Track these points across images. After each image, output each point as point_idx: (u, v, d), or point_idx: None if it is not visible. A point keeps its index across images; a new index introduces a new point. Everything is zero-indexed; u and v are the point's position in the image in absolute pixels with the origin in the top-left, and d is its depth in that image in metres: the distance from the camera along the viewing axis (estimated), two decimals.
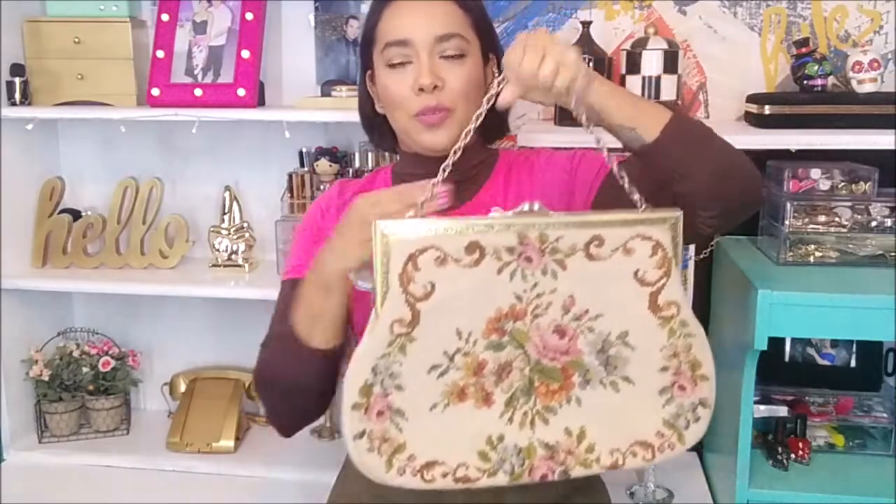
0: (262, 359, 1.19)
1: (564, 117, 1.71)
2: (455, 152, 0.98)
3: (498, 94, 0.99)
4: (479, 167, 1.25)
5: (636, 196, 0.96)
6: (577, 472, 0.97)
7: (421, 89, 1.13)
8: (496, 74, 1.20)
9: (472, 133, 1.03)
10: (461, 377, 0.94)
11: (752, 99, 1.71)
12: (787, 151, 1.60)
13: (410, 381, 0.93)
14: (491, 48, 1.23)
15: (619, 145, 1.10)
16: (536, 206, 0.93)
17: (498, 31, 1.46)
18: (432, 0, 1.16)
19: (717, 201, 1.04)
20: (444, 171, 0.97)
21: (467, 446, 0.95)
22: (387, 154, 1.82)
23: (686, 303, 0.96)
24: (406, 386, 0.93)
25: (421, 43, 1.13)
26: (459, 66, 1.15)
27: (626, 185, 0.96)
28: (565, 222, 0.91)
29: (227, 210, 1.96)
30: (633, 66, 1.71)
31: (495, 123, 1.26)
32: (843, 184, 1.66)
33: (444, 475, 0.95)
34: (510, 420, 0.95)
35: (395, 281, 0.90)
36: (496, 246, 0.90)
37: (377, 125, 1.26)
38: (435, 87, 1.13)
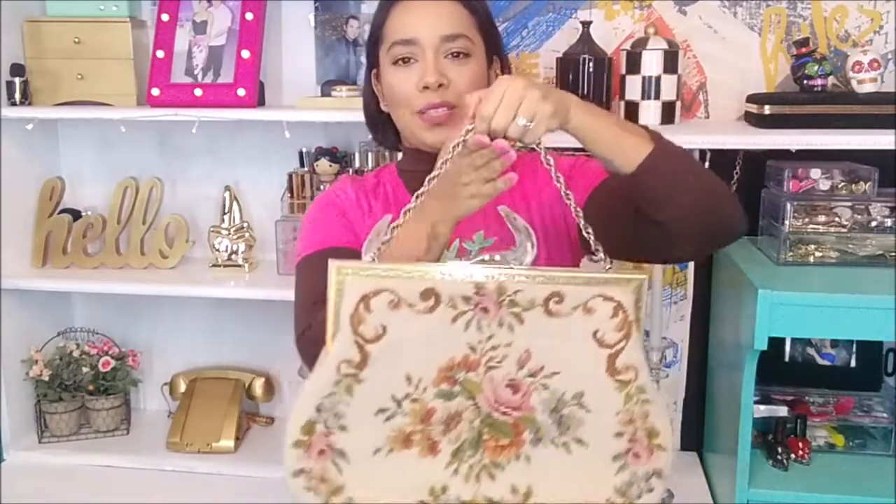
0: (311, 352, 1.14)
1: None
2: (440, 166, 0.97)
3: (464, 141, 0.98)
4: None
5: (600, 254, 0.95)
6: None
7: (426, 87, 1.14)
8: (498, 75, 1.22)
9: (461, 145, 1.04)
10: (408, 423, 0.92)
11: (752, 99, 1.71)
12: (787, 151, 1.60)
13: (355, 423, 0.91)
14: (495, 50, 1.24)
15: None
16: (497, 257, 0.94)
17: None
18: (439, 0, 1.17)
19: (695, 232, 1.06)
20: (429, 182, 0.97)
21: (408, 494, 0.93)
22: (387, 154, 1.82)
23: (645, 368, 0.93)
24: (350, 427, 0.91)
25: (427, 42, 1.15)
26: (464, 66, 1.17)
27: (592, 243, 0.96)
28: (525, 275, 0.90)
29: (227, 210, 1.96)
30: (633, 66, 1.71)
31: None
32: (843, 184, 1.66)
33: None
34: (455, 472, 0.93)
35: (345, 321, 0.89)
36: (452, 294, 0.89)
37: (381, 123, 1.27)
38: (440, 85, 1.14)
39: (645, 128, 1.07)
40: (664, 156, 1.03)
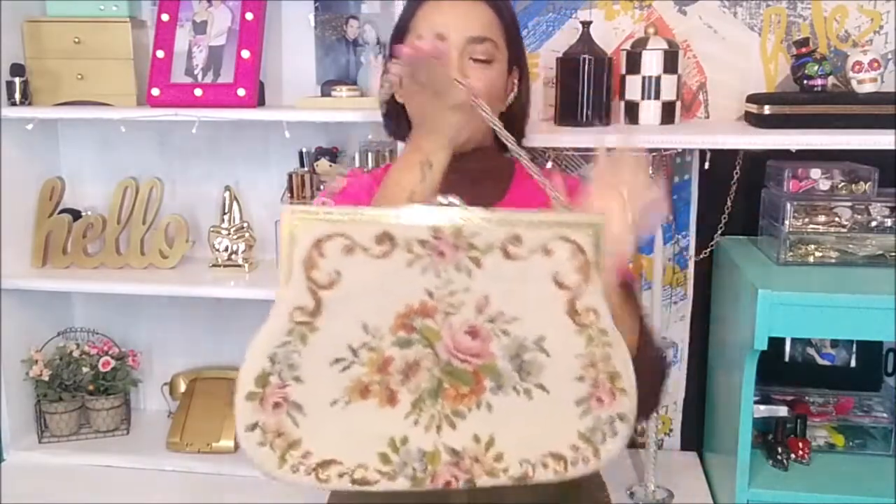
0: None
1: (565, 118, 1.71)
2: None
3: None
4: (491, 173, 1.26)
5: (561, 198, 0.95)
6: (483, 481, 0.92)
7: None
8: (516, 86, 1.27)
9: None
10: (365, 373, 0.89)
11: (752, 99, 1.71)
12: (787, 151, 1.60)
13: (311, 374, 0.88)
14: (517, 60, 1.25)
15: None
16: (457, 201, 0.90)
17: None
18: (472, 1, 1.18)
19: None
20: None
21: (368, 447, 0.90)
22: (387, 154, 1.82)
23: (606, 311, 0.91)
24: (306, 379, 0.88)
25: (454, 40, 1.16)
26: (486, 71, 1.17)
27: (549, 190, 0.96)
28: (483, 218, 0.88)
29: (227, 210, 1.96)
30: (633, 66, 1.71)
31: (514, 130, 1.25)
32: (843, 184, 1.66)
33: (341, 475, 0.91)
34: (415, 422, 0.90)
35: (298, 266, 0.87)
36: (408, 238, 0.87)
37: (395, 114, 1.26)
38: None
39: (641, 317, 1.10)
40: (639, 361, 1.04)
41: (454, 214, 0.88)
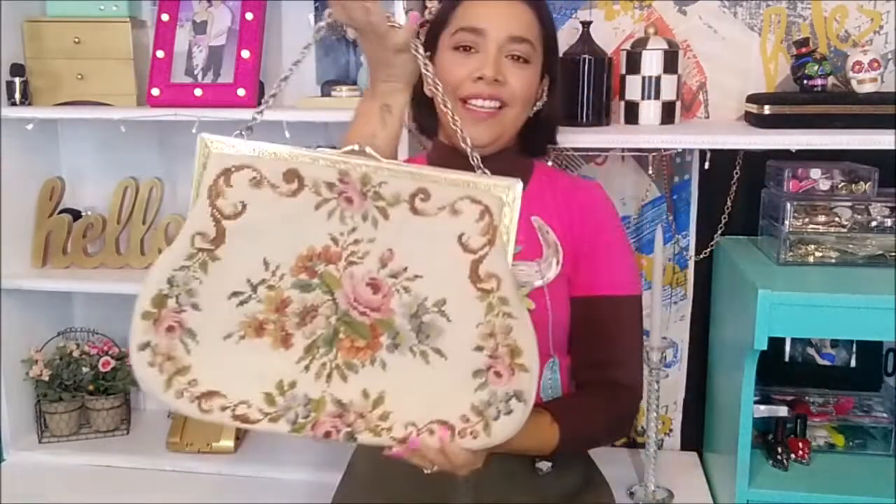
0: None
1: (565, 118, 1.71)
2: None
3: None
4: (512, 174, 1.24)
5: (476, 159, 0.94)
6: (365, 437, 0.90)
7: (480, 78, 1.15)
8: (545, 94, 1.27)
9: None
10: (262, 311, 0.89)
11: (752, 99, 1.71)
12: (787, 151, 1.60)
13: (208, 303, 0.89)
14: (549, 69, 1.25)
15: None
16: (367, 149, 0.89)
17: None
18: (515, 1, 1.19)
19: None
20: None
21: (254, 385, 0.90)
22: None
23: (510, 279, 0.88)
24: (203, 307, 0.89)
25: (494, 36, 1.16)
26: (522, 70, 1.18)
27: (461, 136, 0.95)
28: (391, 169, 0.87)
29: None
30: (633, 66, 1.71)
31: (539, 138, 1.30)
32: (843, 184, 1.66)
33: (223, 408, 0.90)
34: (307, 368, 0.89)
35: (204, 192, 0.88)
36: (316, 179, 0.86)
37: (424, 106, 1.25)
38: (496, 80, 1.15)
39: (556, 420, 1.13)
40: (565, 447, 1.13)
41: (362, 160, 0.87)
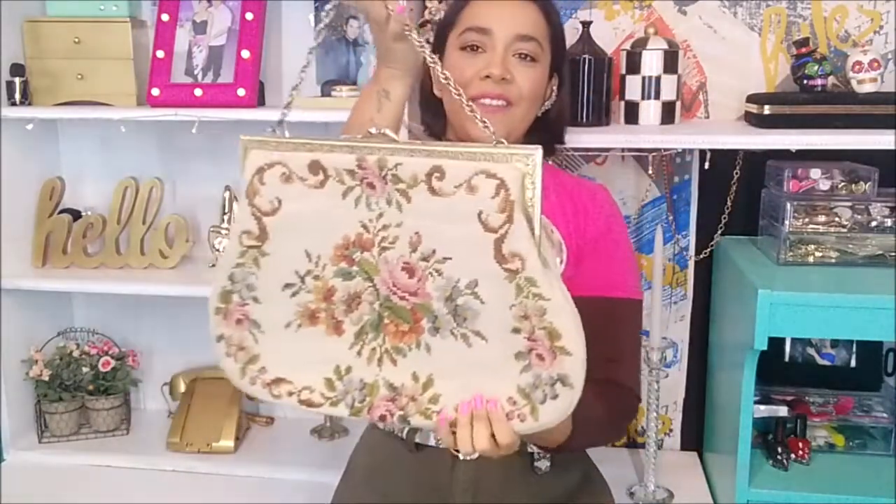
0: None
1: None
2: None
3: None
4: None
5: (489, 129, 0.89)
6: (417, 420, 0.91)
7: (488, 77, 1.15)
8: (554, 92, 1.27)
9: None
10: (312, 300, 0.92)
11: (752, 99, 1.71)
12: (787, 151, 1.60)
13: (266, 296, 0.93)
14: (557, 67, 1.25)
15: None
16: (386, 131, 0.88)
17: None
18: (522, 0, 1.19)
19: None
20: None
21: (316, 371, 0.93)
22: None
23: (534, 257, 0.84)
24: (263, 300, 0.93)
25: (501, 35, 1.16)
26: (530, 69, 1.18)
27: (479, 119, 0.90)
28: (405, 149, 0.85)
29: (227, 210, 1.96)
30: (633, 66, 1.71)
31: (550, 136, 1.30)
32: (843, 184, 1.66)
33: (290, 394, 0.95)
34: (359, 353, 0.92)
35: (243, 193, 0.91)
36: (337, 167, 0.87)
37: (432, 107, 1.27)
38: (503, 79, 1.15)
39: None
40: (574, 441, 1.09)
41: (377, 144, 0.86)
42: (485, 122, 0.89)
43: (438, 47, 1.24)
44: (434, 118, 1.28)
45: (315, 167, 0.87)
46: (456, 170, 0.84)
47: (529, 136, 1.25)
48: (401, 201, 0.86)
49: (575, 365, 0.85)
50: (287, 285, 0.92)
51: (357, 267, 0.89)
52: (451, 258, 0.86)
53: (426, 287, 0.88)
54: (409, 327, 0.90)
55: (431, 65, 0.92)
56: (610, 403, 1.17)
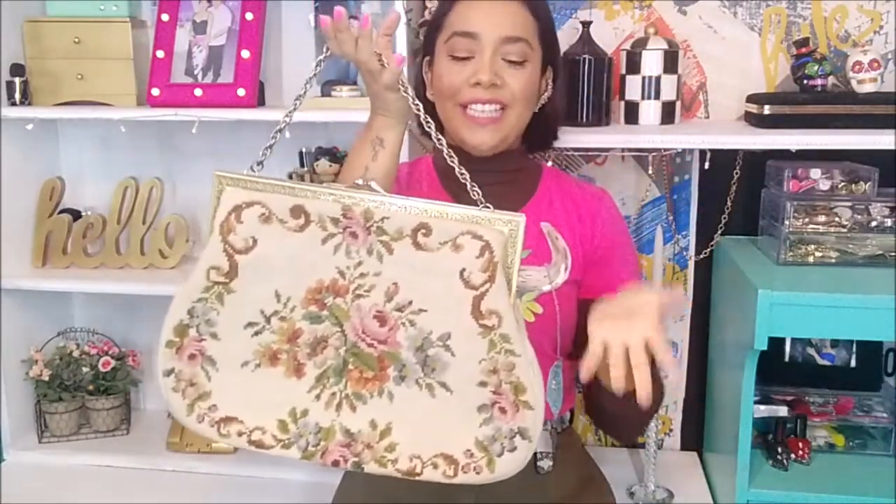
0: None
1: (565, 118, 1.71)
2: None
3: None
4: (519, 174, 1.26)
5: (476, 193, 0.93)
6: (371, 468, 0.93)
7: (477, 83, 1.14)
8: (550, 86, 1.25)
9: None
10: (275, 341, 0.92)
11: (752, 99, 1.71)
12: (787, 151, 1.60)
13: (226, 333, 0.92)
14: (551, 59, 1.24)
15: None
16: (372, 183, 0.90)
17: None
18: (506, 0, 1.17)
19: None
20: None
21: (269, 412, 0.93)
22: None
23: (511, 316, 0.88)
24: (222, 336, 0.93)
25: (487, 39, 1.15)
26: (520, 71, 1.16)
27: (468, 184, 0.93)
28: (394, 204, 0.88)
29: None
30: (633, 66, 1.71)
31: (543, 133, 1.29)
32: (843, 184, 1.66)
33: (240, 434, 0.94)
34: (317, 397, 0.92)
35: (216, 228, 0.90)
36: (321, 214, 0.88)
37: (427, 109, 1.21)
38: (493, 84, 1.14)
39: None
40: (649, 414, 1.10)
41: (365, 195, 0.88)
42: (476, 191, 0.93)
43: (428, 50, 1.24)
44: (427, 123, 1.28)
45: (297, 211, 0.89)
46: (443, 228, 0.87)
47: (527, 134, 1.25)
48: (382, 252, 0.88)
49: (536, 419, 0.89)
50: (250, 324, 0.92)
51: (327, 311, 0.91)
52: (426, 310, 0.89)
53: (397, 336, 0.90)
54: (374, 374, 0.91)
55: (418, 113, 0.97)
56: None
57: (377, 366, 0.91)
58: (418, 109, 0.98)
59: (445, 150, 0.95)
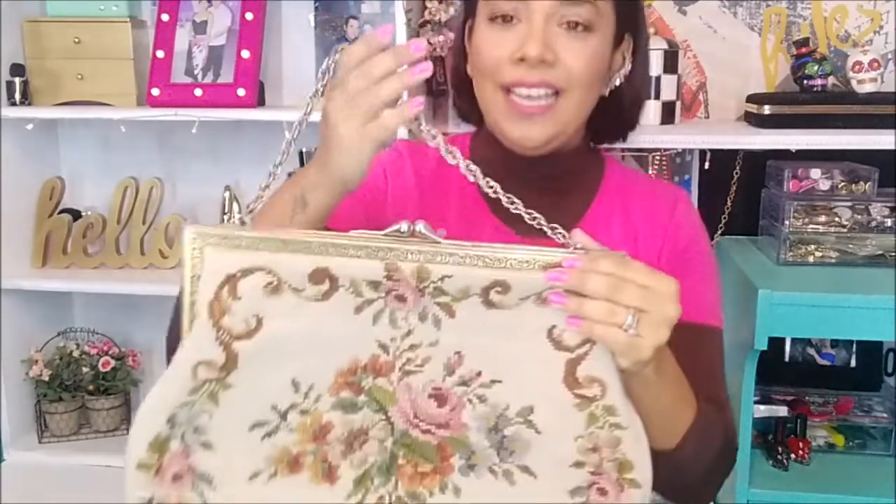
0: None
1: None
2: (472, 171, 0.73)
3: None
4: (577, 179, 0.98)
5: (560, 233, 0.72)
6: None
7: (523, 59, 0.85)
8: (628, 61, 0.94)
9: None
10: (295, 442, 0.71)
11: (752, 99, 1.71)
12: (787, 151, 1.60)
13: (224, 440, 0.71)
14: (629, 26, 0.93)
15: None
16: (420, 227, 0.68)
17: None
18: None
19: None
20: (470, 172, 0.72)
21: None
22: None
23: (618, 384, 0.70)
24: (218, 445, 0.71)
25: (536, 4, 0.86)
26: (582, 42, 0.87)
27: (537, 222, 0.73)
28: (458, 255, 0.67)
29: (227, 210, 1.96)
30: None
31: (614, 121, 0.99)
32: (843, 184, 1.66)
33: None
34: None
35: (203, 310, 0.68)
36: (354, 277, 0.68)
37: (466, 89, 0.96)
38: (544, 61, 0.85)
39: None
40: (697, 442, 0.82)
41: (417, 247, 0.67)
42: (493, 189, 0.71)
43: (469, 11, 0.94)
44: (469, 104, 0.97)
45: (320, 276, 0.68)
46: (524, 280, 0.68)
47: (593, 121, 0.96)
48: (440, 316, 0.69)
49: (643, 498, 0.73)
50: (258, 424, 0.71)
51: (366, 396, 0.71)
52: (500, 381, 0.71)
53: (462, 416, 0.72)
54: (434, 467, 0.73)
55: (448, 155, 0.73)
56: (724, 427, 0.91)
57: (436, 456, 0.72)
58: (434, 138, 0.73)
59: (464, 166, 0.72)
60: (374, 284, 0.68)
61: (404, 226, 0.68)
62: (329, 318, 0.69)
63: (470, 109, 0.98)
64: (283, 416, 0.71)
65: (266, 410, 0.71)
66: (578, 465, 0.72)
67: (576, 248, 0.70)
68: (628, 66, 0.94)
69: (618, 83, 0.94)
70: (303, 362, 0.70)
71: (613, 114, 0.95)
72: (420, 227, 0.68)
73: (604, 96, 0.93)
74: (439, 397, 0.71)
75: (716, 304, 0.96)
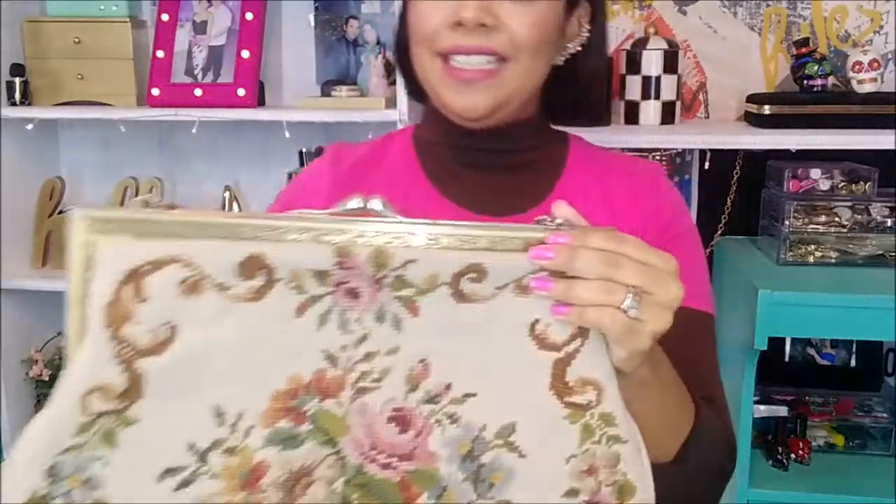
0: None
1: None
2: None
3: None
4: (535, 151, 0.89)
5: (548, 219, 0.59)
6: None
7: (459, 23, 0.77)
8: (582, 25, 0.86)
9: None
10: (220, 491, 0.55)
11: (752, 99, 1.71)
12: (787, 151, 1.60)
13: (126, 493, 0.55)
14: None
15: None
16: (378, 202, 0.56)
17: None
18: None
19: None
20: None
21: None
22: None
23: (613, 386, 0.59)
24: (116, 500, 0.55)
25: None
26: (528, 6, 0.78)
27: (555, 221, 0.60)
28: (426, 234, 0.55)
29: (226, 210, 1.96)
30: (633, 66, 1.71)
31: (572, 96, 0.89)
32: (843, 184, 1.66)
33: None
34: None
35: (98, 317, 0.57)
36: (296, 268, 0.53)
37: (409, 62, 0.87)
38: (482, 24, 0.77)
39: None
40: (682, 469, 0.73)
41: (376, 227, 0.54)
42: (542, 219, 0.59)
43: None
44: (412, 82, 0.89)
45: (252, 267, 0.53)
46: (502, 265, 0.55)
47: (550, 98, 0.88)
48: (401, 315, 0.56)
49: None
50: (170, 471, 0.55)
51: (309, 424, 0.56)
52: (474, 394, 0.58)
53: (429, 443, 0.58)
54: None
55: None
56: (724, 426, 0.81)
57: (399, 497, 0.58)
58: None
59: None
60: (321, 276, 0.54)
61: (355, 201, 0.56)
62: (263, 321, 0.54)
63: (413, 86, 0.90)
64: (203, 457, 0.56)
65: (181, 451, 0.55)
66: (572, 493, 0.59)
67: (559, 225, 0.58)
68: (585, 34, 0.86)
69: (572, 51, 0.86)
70: (229, 384, 0.55)
71: (569, 87, 0.86)
72: (376, 202, 0.56)
73: (559, 67, 0.85)
74: (401, 420, 0.57)
75: (706, 288, 0.88)
